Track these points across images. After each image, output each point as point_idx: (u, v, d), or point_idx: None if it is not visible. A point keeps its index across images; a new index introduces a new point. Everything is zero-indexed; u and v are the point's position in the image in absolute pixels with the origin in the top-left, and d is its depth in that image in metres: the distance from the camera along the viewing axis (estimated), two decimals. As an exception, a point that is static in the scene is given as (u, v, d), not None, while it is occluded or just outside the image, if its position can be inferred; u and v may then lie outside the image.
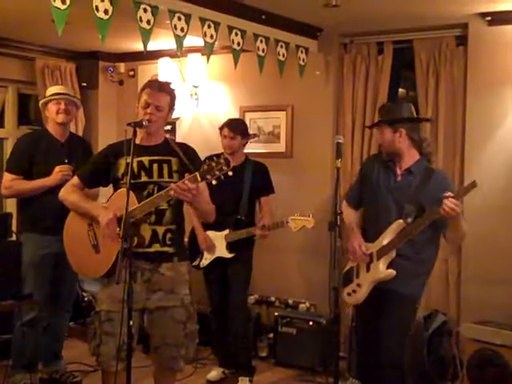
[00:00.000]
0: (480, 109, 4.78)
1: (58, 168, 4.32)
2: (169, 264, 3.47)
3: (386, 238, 3.60)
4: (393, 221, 3.59)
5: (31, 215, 4.41)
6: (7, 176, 4.40)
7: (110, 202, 3.48)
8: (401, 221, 3.56)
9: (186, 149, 3.56)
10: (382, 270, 3.59)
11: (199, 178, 3.17)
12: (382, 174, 3.73)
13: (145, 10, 3.87)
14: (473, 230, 4.73)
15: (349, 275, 3.73)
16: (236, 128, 4.75)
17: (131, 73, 6.46)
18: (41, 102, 4.62)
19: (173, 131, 6.04)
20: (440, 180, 3.63)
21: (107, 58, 6.42)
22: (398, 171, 3.68)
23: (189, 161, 3.41)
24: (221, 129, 4.81)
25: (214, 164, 3.12)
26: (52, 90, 4.64)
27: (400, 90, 5.75)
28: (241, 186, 4.73)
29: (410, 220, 3.54)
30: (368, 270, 3.66)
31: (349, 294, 3.72)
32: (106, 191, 3.76)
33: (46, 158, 4.39)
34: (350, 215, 3.88)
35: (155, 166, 3.46)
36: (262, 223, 4.65)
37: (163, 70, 5.91)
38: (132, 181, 3.23)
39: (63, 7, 3.42)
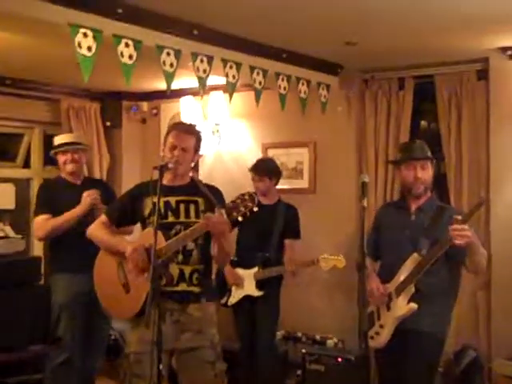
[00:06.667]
0: (503, 142, 4.77)
1: (86, 193, 4.36)
2: (196, 305, 3.47)
3: (402, 274, 3.55)
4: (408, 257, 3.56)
5: (60, 256, 4.45)
6: (39, 218, 4.43)
7: (137, 241, 3.50)
8: (415, 254, 3.51)
9: (214, 191, 3.57)
10: (402, 305, 3.52)
11: (225, 215, 3.23)
12: (396, 216, 3.74)
13: (168, 54, 3.96)
14: (502, 263, 4.74)
15: (370, 319, 3.63)
16: (262, 170, 4.80)
17: (154, 111, 6.53)
18: (51, 153, 4.69)
19: (195, 168, 6.07)
20: (453, 214, 3.53)
21: (130, 97, 6.51)
22: (412, 209, 3.67)
23: (216, 200, 3.42)
24: (250, 171, 4.87)
25: (239, 201, 3.22)
26: (58, 139, 4.68)
27: (422, 122, 5.75)
28: (272, 225, 4.78)
29: (424, 252, 3.48)
30: (388, 309, 3.60)
31: (372, 338, 3.61)
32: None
33: (66, 199, 4.44)
34: (367, 264, 3.83)
35: (182, 206, 3.49)
36: (291, 267, 4.67)
37: (185, 108, 5.96)
38: (159, 221, 3.25)
39: (89, 54, 3.50)
